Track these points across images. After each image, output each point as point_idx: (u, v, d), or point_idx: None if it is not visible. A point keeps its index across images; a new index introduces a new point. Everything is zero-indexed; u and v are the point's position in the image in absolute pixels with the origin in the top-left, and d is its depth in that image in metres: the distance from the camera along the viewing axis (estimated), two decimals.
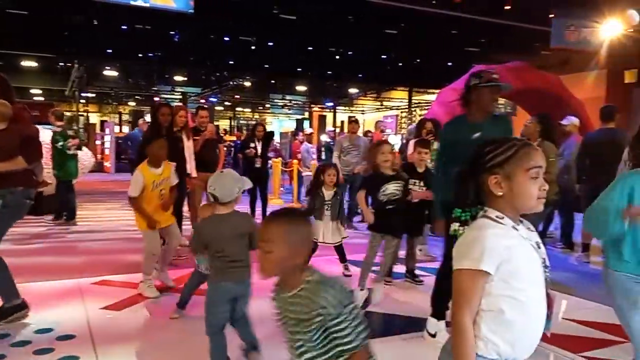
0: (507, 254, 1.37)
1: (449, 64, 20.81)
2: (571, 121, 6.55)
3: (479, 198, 1.50)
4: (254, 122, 31.92)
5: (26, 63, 20.58)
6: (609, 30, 13.71)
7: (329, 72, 24.13)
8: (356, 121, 7.81)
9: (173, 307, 3.78)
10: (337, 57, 21.57)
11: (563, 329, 3.57)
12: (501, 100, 21.27)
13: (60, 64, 21.64)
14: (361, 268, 4.16)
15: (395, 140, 15.92)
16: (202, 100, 26.32)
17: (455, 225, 2.89)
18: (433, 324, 3.38)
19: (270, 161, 8.82)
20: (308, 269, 1.58)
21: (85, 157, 7.80)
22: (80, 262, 5.39)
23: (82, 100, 22.92)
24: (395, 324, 3.79)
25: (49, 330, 3.44)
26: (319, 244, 4.78)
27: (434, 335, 3.34)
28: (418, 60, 22.19)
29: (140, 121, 12.77)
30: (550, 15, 14.03)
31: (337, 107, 28.98)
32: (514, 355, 1.41)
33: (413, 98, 26.05)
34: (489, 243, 1.36)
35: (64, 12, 15.42)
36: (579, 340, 3.45)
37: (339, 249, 4.95)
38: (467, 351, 1.36)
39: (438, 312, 3.37)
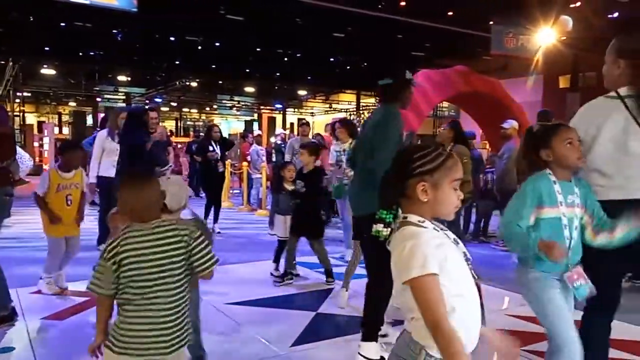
0: (442, 253, 1.41)
1: None
2: (511, 124, 6.84)
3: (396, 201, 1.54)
4: (201, 123, 31.34)
5: None
6: (544, 37, 14.42)
7: (277, 74, 24.09)
8: (307, 124, 7.87)
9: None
10: (286, 59, 21.56)
11: (505, 324, 3.72)
12: (445, 104, 21.96)
13: None
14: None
15: None
16: (147, 101, 25.62)
17: (379, 227, 2.81)
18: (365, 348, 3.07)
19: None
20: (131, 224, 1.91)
21: (23, 159, 7.42)
22: (15, 270, 5.10)
23: (17, 100, 21.79)
24: (351, 324, 3.82)
25: None
26: (280, 239, 4.90)
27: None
28: (365, 64, 22.53)
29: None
30: (491, 22, 14.59)
31: (286, 109, 28.97)
32: (465, 350, 1.45)
33: (361, 100, 26.45)
34: (426, 247, 1.40)
35: None
36: (521, 334, 3.60)
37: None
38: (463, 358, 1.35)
39: (371, 333, 3.10)
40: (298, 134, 8.03)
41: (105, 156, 5.67)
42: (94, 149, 5.81)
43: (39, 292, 4.40)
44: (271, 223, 5.02)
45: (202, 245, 1.93)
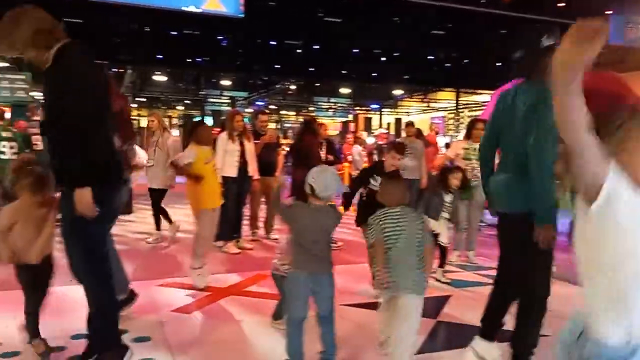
0: None
1: (499, 64, 20.33)
2: None
3: None
4: (298, 125, 32.11)
5: None
6: None
7: (374, 74, 24.01)
8: (412, 124, 7.68)
9: (242, 309, 3.79)
10: (383, 58, 21.42)
11: None
12: None
13: (114, 70, 22.37)
14: None
15: (443, 142, 15.64)
16: (249, 105, 26.62)
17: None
18: (482, 346, 2.99)
19: None
20: None
21: (141, 159, 8.04)
22: (143, 264, 5.47)
23: (134, 105, 23.61)
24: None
25: (124, 332, 3.47)
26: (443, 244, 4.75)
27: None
28: (466, 61, 21.78)
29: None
30: (607, 12, 13.51)
31: (382, 109, 28.79)
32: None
33: (460, 99, 25.60)
34: None
35: (118, 19, 15.89)
36: None
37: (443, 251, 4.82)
38: None
39: (488, 331, 2.98)
40: (400, 135, 7.82)
41: (226, 157, 5.90)
42: (216, 151, 6.07)
43: (165, 285, 4.65)
44: None
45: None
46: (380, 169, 4.38)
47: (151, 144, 6.37)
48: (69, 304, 3.65)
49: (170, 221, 6.50)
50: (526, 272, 2.74)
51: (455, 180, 4.66)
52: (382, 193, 3.01)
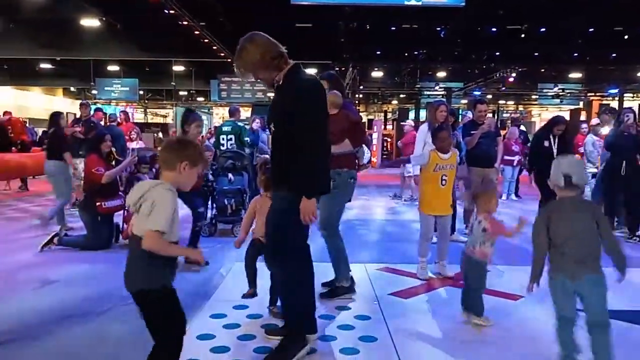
0: None
1: None
2: None
3: None
4: (518, 115, 30.12)
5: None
6: None
7: (613, 55, 21.03)
8: None
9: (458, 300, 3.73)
10: (626, 36, 18.56)
11: None
12: None
13: (336, 68, 23.97)
14: None
15: None
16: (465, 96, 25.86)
17: None
18: None
19: None
20: None
21: (363, 150, 8.50)
22: (361, 247, 5.79)
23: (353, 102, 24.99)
24: None
25: (347, 308, 3.73)
26: None
27: None
28: None
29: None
30: None
31: (623, 94, 25.06)
32: None
33: None
34: None
35: (342, 19, 16.88)
36: None
37: None
38: None
39: None
40: None
41: (425, 148, 5.83)
42: (416, 142, 6.07)
43: (383, 269, 4.85)
44: None
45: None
46: None
47: None
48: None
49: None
50: None
51: None
52: None
